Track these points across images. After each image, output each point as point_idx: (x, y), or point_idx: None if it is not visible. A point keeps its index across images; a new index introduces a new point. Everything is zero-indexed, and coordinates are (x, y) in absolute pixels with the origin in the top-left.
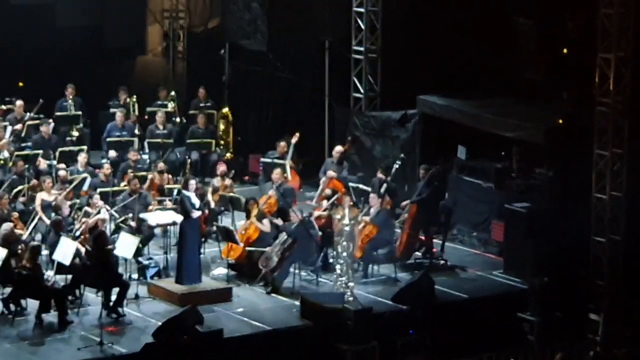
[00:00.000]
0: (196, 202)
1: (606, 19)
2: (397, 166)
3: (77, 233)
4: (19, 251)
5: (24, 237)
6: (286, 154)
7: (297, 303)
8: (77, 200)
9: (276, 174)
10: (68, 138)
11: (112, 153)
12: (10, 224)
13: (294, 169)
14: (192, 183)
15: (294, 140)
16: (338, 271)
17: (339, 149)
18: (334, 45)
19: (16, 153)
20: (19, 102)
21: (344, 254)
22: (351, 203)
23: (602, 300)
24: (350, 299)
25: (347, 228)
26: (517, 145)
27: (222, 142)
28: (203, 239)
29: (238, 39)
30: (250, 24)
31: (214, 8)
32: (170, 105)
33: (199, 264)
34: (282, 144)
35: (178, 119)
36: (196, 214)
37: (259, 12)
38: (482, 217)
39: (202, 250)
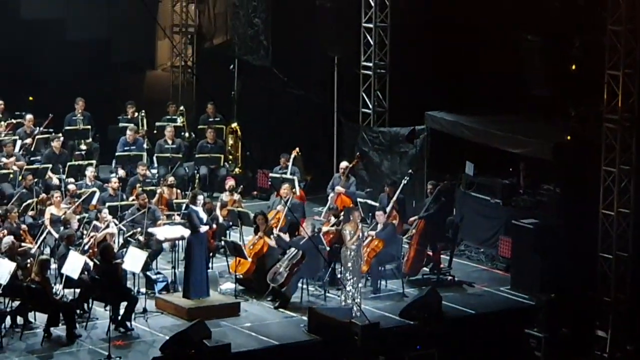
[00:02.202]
0: (203, 216)
1: (614, 36)
2: (405, 182)
3: (86, 247)
4: (28, 265)
5: (33, 250)
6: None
7: (305, 318)
8: (86, 215)
9: (284, 189)
10: (77, 152)
11: (121, 171)
12: (11, 238)
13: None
14: (200, 198)
15: (293, 154)
16: (348, 287)
17: (344, 164)
18: (343, 61)
19: (25, 167)
20: (29, 117)
21: (352, 269)
22: (360, 218)
23: (609, 317)
24: (358, 314)
25: (355, 243)
26: (524, 161)
27: (230, 157)
28: (211, 254)
29: (242, 55)
30: (254, 40)
31: (219, 24)
32: (179, 120)
33: (207, 279)
34: (284, 159)
35: (187, 134)
36: (204, 228)
37: (261, 28)
38: (490, 233)
39: (210, 265)
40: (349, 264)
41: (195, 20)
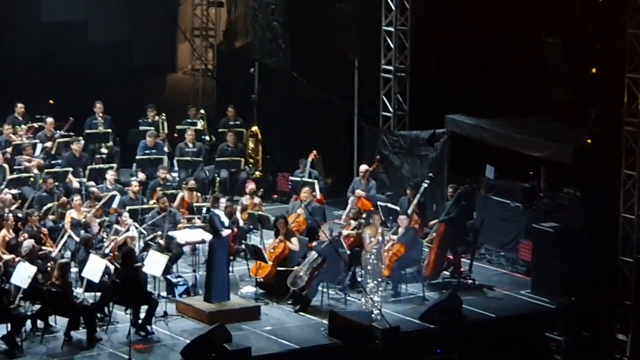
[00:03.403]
0: (225, 220)
1: (634, 39)
2: (425, 185)
3: (106, 250)
4: (48, 268)
5: (54, 254)
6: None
7: (325, 321)
8: (106, 218)
9: (304, 192)
10: (97, 156)
11: (141, 175)
12: (31, 241)
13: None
14: (222, 201)
15: (310, 158)
16: (367, 290)
17: (364, 167)
18: (363, 65)
19: (46, 170)
20: (50, 120)
21: (372, 272)
22: (380, 222)
23: (629, 320)
24: (379, 317)
25: (375, 247)
26: (545, 164)
27: (251, 160)
28: (232, 257)
29: (262, 58)
30: (272, 43)
31: (239, 27)
32: (200, 124)
33: (228, 282)
34: (303, 164)
35: (207, 137)
36: (225, 232)
37: (279, 31)
38: (510, 237)
39: (230, 269)
40: (369, 268)
41: (217, 22)
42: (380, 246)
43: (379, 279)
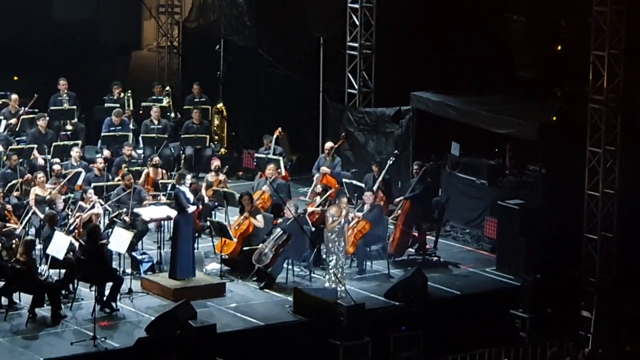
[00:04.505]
0: (190, 197)
1: (599, 17)
2: (391, 162)
3: (71, 227)
4: (13, 245)
5: (18, 231)
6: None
7: (290, 298)
8: (72, 195)
9: (269, 169)
10: (62, 132)
11: (106, 152)
12: None
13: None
14: (187, 178)
15: (275, 134)
16: (331, 267)
17: (329, 144)
18: (329, 42)
19: (10, 147)
20: (14, 96)
21: (336, 249)
22: (347, 203)
23: (594, 297)
24: (343, 294)
25: (337, 227)
26: (510, 142)
27: (216, 137)
28: (197, 234)
29: (228, 35)
30: (238, 20)
31: (205, 4)
32: (165, 101)
33: (193, 259)
34: (266, 140)
35: (173, 114)
36: (191, 208)
37: (245, 8)
38: (475, 214)
39: (196, 245)
40: (330, 245)
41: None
42: (342, 226)
43: (341, 255)
